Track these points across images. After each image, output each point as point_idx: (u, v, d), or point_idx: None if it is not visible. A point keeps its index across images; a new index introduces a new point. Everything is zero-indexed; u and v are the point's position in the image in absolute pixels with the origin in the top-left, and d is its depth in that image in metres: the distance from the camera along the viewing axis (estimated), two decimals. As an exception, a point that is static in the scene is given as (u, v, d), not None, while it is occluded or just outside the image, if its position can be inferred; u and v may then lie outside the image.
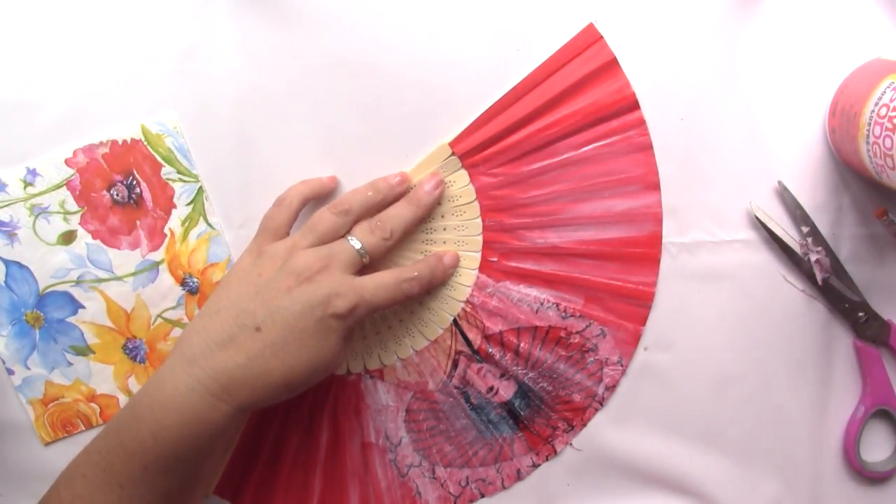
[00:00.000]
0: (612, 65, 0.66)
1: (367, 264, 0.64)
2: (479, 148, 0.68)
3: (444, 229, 0.69)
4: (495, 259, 0.69)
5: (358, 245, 0.63)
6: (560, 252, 0.69)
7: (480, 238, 0.69)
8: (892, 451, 0.70)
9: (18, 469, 0.71)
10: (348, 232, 0.64)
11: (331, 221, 0.63)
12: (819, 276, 0.67)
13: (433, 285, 0.68)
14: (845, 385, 0.70)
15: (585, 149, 0.68)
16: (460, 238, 0.69)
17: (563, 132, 0.67)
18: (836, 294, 0.68)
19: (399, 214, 0.65)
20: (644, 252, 0.68)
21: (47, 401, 0.70)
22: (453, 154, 0.68)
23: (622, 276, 0.69)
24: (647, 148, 0.67)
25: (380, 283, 0.62)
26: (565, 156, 0.68)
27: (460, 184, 0.68)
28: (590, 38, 0.66)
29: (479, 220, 0.69)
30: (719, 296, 0.69)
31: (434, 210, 0.68)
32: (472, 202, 0.69)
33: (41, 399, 0.70)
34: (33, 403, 0.70)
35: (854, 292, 0.68)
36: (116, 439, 0.59)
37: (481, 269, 0.69)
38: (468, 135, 0.68)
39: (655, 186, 0.68)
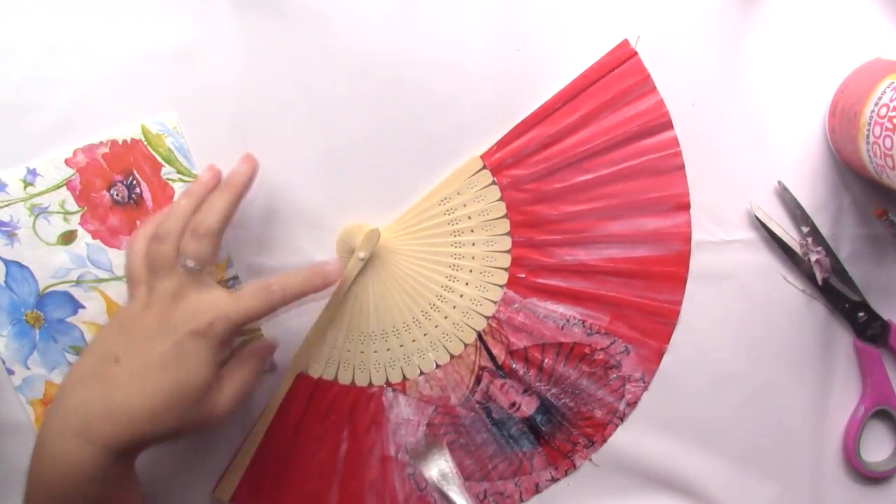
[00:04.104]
0: (646, 82, 0.65)
1: (199, 270, 0.60)
2: (510, 162, 0.66)
3: (474, 244, 0.67)
4: (523, 275, 0.67)
5: (190, 263, 0.60)
6: (588, 269, 0.67)
7: (509, 254, 0.67)
8: (892, 451, 0.70)
9: (18, 469, 0.69)
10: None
11: (159, 253, 0.60)
12: (819, 276, 0.66)
13: (306, 292, 0.63)
14: (845, 385, 0.69)
15: (618, 167, 0.66)
16: (489, 253, 0.67)
17: (596, 149, 0.66)
18: (836, 294, 0.67)
19: (212, 208, 0.61)
20: (671, 271, 0.67)
21: (47, 401, 0.68)
22: (485, 167, 0.66)
23: (649, 295, 0.67)
24: (680, 168, 0.66)
25: (239, 295, 0.60)
26: (598, 173, 0.66)
27: (491, 198, 0.66)
28: (624, 55, 0.65)
29: (509, 237, 0.67)
30: (720, 296, 0.68)
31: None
32: (502, 217, 0.67)
33: (41, 399, 0.68)
34: (33, 403, 0.68)
35: (854, 292, 0.67)
36: (25, 490, 0.58)
37: (509, 284, 0.68)
38: (500, 148, 0.66)
39: (686, 206, 0.66)
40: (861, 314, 0.67)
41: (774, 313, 0.68)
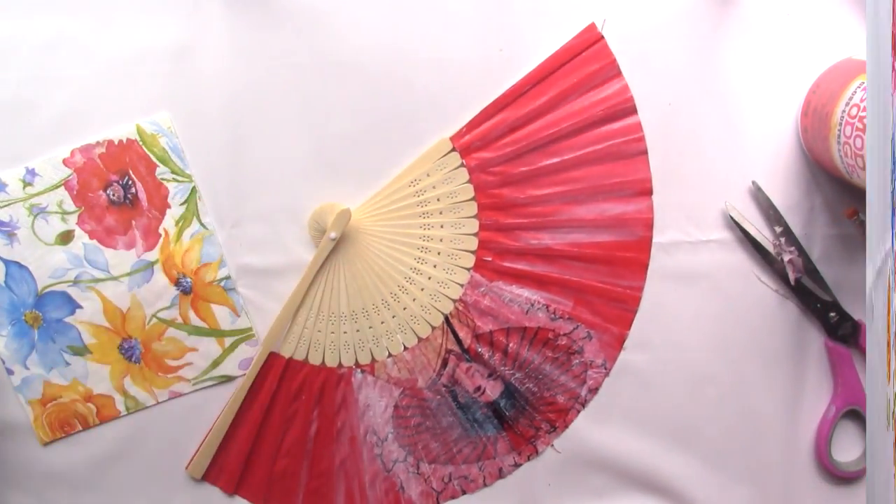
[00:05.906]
0: (611, 66, 0.66)
1: None
2: (479, 145, 0.66)
3: (442, 226, 0.67)
4: (490, 258, 0.67)
5: None
6: (553, 254, 0.67)
7: (476, 237, 0.67)
8: (863, 451, 0.69)
9: (17, 469, 0.69)
10: None
11: None
12: (792, 276, 0.66)
13: None
14: (817, 385, 0.69)
15: (583, 151, 0.66)
16: (456, 235, 0.67)
17: (561, 133, 0.66)
18: (809, 294, 0.67)
19: None
20: (633, 257, 0.67)
21: (46, 401, 0.68)
22: (454, 149, 0.66)
23: (611, 280, 0.67)
24: (643, 153, 0.66)
25: None
26: (563, 157, 0.66)
27: (459, 181, 0.67)
28: (590, 38, 0.66)
29: (476, 219, 0.67)
30: (695, 296, 0.68)
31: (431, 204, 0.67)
32: (469, 200, 0.67)
33: (40, 399, 0.68)
34: (32, 403, 0.68)
35: (826, 292, 0.67)
36: None
37: (475, 267, 0.67)
38: (469, 130, 0.66)
39: (648, 192, 0.67)
40: (832, 314, 0.67)
41: (748, 313, 0.68)
